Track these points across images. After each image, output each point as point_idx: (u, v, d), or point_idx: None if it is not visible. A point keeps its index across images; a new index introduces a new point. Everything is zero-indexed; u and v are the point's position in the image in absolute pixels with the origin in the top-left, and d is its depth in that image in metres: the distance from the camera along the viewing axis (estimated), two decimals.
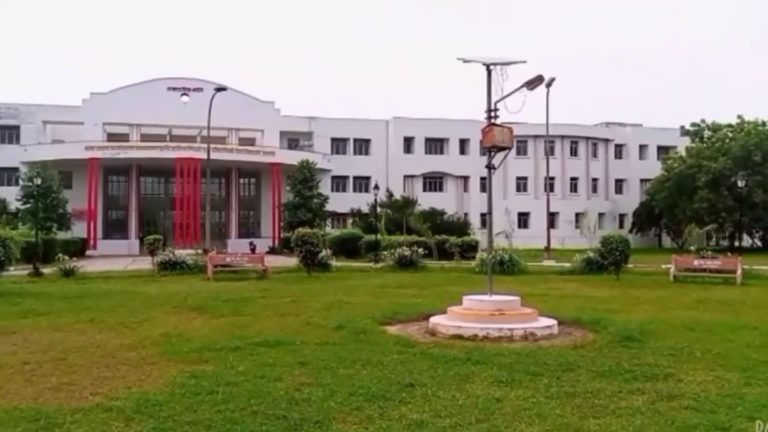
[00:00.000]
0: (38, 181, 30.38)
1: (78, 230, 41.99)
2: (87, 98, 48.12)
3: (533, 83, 10.72)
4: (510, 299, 10.35)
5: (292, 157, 47.50)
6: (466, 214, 53.32)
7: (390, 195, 47.38)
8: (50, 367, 7.36)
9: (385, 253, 27.02)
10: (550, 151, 45.38)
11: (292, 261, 25.93)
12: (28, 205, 38.51)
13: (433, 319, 10.13)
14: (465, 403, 5.88)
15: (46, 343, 8.96)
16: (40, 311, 12.27)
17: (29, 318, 11.47)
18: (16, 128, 48.80)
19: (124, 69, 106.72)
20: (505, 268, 22.23)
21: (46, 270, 22.02)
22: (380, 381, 6.65)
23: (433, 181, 57.20)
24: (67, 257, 22.21)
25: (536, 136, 55.18)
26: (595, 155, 61.20)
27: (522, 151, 57.20)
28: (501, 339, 9.11)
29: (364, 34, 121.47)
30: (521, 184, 59.17)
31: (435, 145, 57.47)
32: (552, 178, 48.65)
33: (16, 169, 45.06)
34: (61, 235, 37.58)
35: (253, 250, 37.00)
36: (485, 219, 49.44)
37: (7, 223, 28.84)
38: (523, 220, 55.58)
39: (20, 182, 41.64)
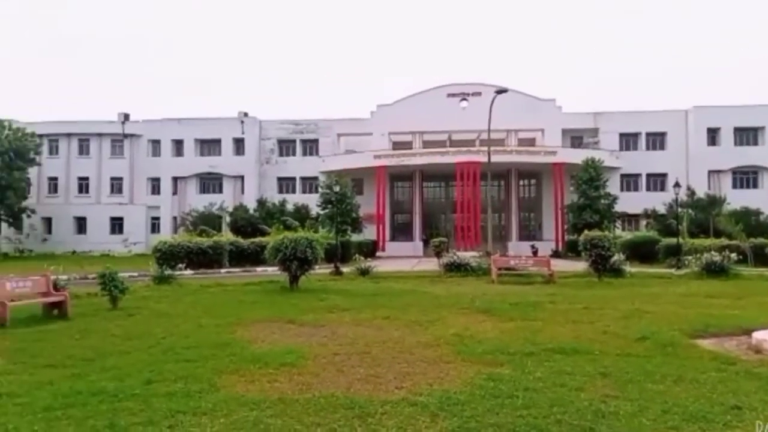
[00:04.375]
0: (337, 188, 33.98)
1: (368, 233, 46.12)
2: (374, 110, 52.89)
3: None
4: None
5: (576, 156, 46.16)
6: None
7: (691, 193, 43.34)
8: (357, 360, 8.10)
9: (689, 258, 24.71)
10: None
11: (578, 265, 25.12)
12: (326, 210, 43.38)
13: (757, 335, 8.96)
14: None
15: (351, 336, 9.90)
16: (343, 307, 13.64)
17: (335, 313, 12.81)
18: (316, 141, 55.56)
19: (408, 79, 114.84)
20: None
21: (345, 269, 24.57)
22: (698, 400, 6.10)
23: (745, 177, 50.74)
24: (362, 257, 24.52)
25: None
26: None
27: None
28: None
29: (647, 20, 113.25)
30: None
31: (747, 136, 50.94)
32: None
33: (316, 178, 51.32)
34: (354, 238, 41.59)
35: (535, 254, 36.74)
36: None
37: (310, 226, 32.79)
38: None
39: (319, 190, 47.15)
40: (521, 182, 52.22)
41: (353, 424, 5.37)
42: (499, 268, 21.34)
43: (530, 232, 51.05)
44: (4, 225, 50.10)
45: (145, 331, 10.58)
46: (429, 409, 5.79)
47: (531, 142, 51.96)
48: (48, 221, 55.02)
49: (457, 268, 22.76)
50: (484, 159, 37.91)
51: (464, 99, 50.48)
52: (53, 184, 56.95)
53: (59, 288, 13.30)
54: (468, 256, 24.70)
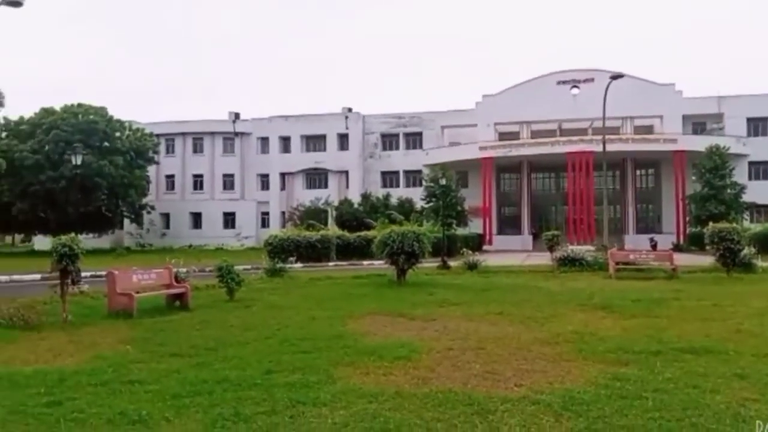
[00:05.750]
0: (443, 181, 33.87)
1: (474, 226, 45.71)
2: (479, 101, 52.35)
3: None
4: None
5: (698, 143, 43.68)
6: None
7: None
8: (472, 355, 8.01)
9: None
10: None
11: (702, 260, 23.80)
12: (430, 204, 43.37)
13: None
14: None
15: (464, 331, 9.82)
16: (453, 301, 13.56)
17: (444, 307, 12.76)
18: (419, 134, 55.76)
19: (515, 68, 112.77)
20: None
21: (452, 263, 24.46)
22: None
23: None
24: (470, 251, 24.25)
25: None
26: None
27: None
28: None
29: None
30: None
31: None
32: None
33: (419, 172, 51.42)
34: (460, 231, 41.33)
35: (653, 247, 35.14)
36: None
37: (415, 220, 32.91)
38: None
39: (423, 183, 47.21)
40: (638, 172, 50.13)
41: (474, 421, 5.30)
42: (617, 263, 20.46)
43: (648, 225, 48.88)
44: (127, 221, 53.70)
45: (261, 322, 10.99)
46: (552, 408, 5.62)
47: (648, 129, 49.66)
48: (166, 217, 58.46)
49: (571, 263, 22.03)
50: (597, 148, 36.63)
51: (575, 86, 48.92)
52: (170, 181, 60.43)
53: (180, 280, 14.03)
54: (582, 250, 23.86)
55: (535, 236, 46.02)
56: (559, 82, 49.56)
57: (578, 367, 7.30)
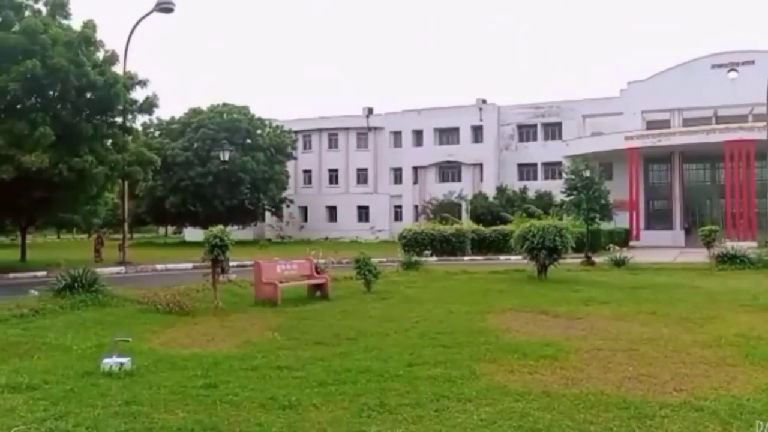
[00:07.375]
0: (587, 173, 32.70)
1: (619, 221, 43.65)
2: (624, 88, 49.94)
3: None
4: None
5: None
6: None
7: None
8: (623, 356, 7.65)
9: None
10: None
11: None
12: (571, 197, 41.90)
13: None
14: None
15: (613, 331, 9.40)
16: (600, 299, 13.03)
17: (591, 305, 12.29)
18: (558, 125, 54.05)
19: (663, 53, 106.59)
20: None
21: (596, 259, 23.55)
22: None
23: None
24: (616, 247, 23.21)
25: None
26: None
27: None
28: None
29: None
30: None
31: None
32: None
33: (559, 164, 49.83)
34: (603, 226, 39.69)
35: None
36: None
37: (555, 214, 31.99)
38: None
39: (563, 175, 45.71)
40: None
41: (630, 426, 5.04)
42: None
43: None
44: (268, 214, 56.54)
45: (399, 315, 11.15)
46: (718, 416, 5.24)
47: None
48: (304, 210, 60.94)
49: (731, 260, 20.54)
50: (759, 136, 33.90)
51: (733, 69, 45.29)
52: (308, 176, 62.85)
53: (320, 271, 14.53)
54: (744, 246, 22.14)
55: (688, 231, 43.30)
56: (714, 66, 46.14)
57: (745, 373, 6.79)
